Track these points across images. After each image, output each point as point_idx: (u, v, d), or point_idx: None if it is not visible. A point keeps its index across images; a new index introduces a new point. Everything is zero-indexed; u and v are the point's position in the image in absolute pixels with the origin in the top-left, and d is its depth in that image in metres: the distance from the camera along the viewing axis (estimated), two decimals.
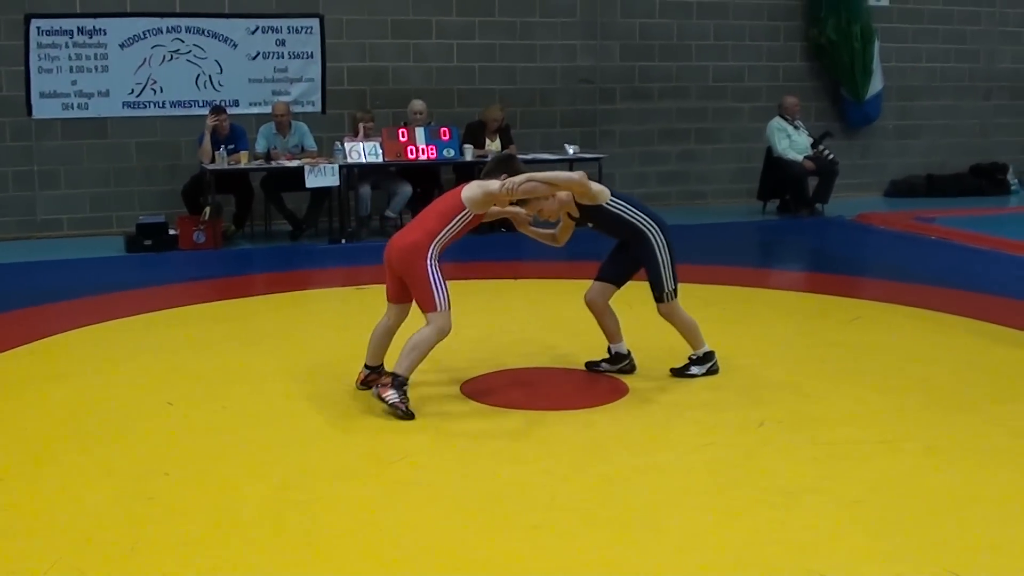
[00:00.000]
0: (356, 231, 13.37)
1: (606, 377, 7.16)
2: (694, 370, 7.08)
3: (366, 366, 6.80)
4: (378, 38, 14.88)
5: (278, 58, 14.47)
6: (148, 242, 12.56)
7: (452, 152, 13.66)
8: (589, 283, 7.22)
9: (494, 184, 6.40)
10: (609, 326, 7.22)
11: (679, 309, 7.03)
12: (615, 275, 7.15)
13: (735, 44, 16.83)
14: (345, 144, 13.25)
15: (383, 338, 6.75)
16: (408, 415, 6.24)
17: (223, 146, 12.91)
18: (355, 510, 4.98)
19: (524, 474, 5.42)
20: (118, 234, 13.28)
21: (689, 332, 7.11)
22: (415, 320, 6.60)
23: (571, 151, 14.20)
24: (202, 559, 4.48)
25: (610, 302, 7.19)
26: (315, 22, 14.56)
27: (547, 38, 15.76)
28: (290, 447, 5.87)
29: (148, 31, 13.87)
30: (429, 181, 14.20)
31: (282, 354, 7.89)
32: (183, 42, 14.04)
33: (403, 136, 13.46)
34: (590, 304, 7.18)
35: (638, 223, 6.85)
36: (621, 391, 6.84)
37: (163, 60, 13.98)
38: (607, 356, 7.30)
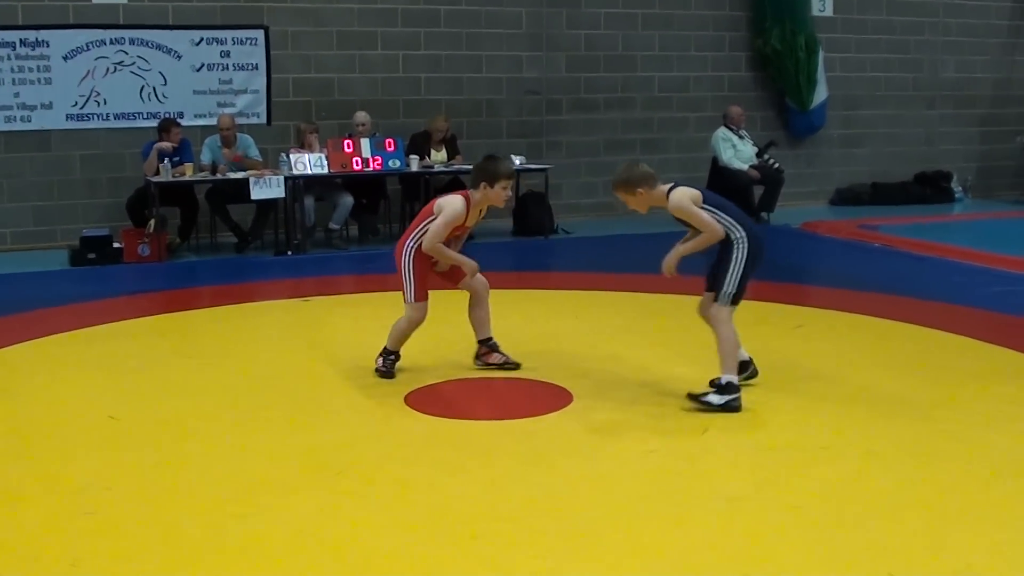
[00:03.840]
0: (302, 243, 13.33)
1: (549, 386, 7.15)
2: (712, 398, 6.62)
3: (478, 341, 7.55)
4: (323, 49, 14.85)
5: (223, 70, 14.42)
6: (92, 255, 12.45)
7: (398, 163, 13.64)
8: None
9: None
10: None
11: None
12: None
13: (680, 55, 16.91)
14: (290, 155, 13.20)
15: (473, 311, 7.52)
16: (388, 375, 7.33)
17: (168, 158, 12.83)
18: (297, 523, 4.94)
19: (465, 484, 5.42)
20: (62, 248, 13.20)
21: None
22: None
23: (518, 162, 14.17)
24: (143, 574, 4.45)
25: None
26: (260, 33, 14.51)
27: (493, 49, 15.78)
28: (232, 460, 5.85)
29: (91, 43, 13.77)
30: (374, 192, 14.19)
31: (226, 367, 7.86)
32: (127, 54, 13.95)
33: (348, 147, 13.43)
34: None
35: None
36: (564, 400, 6.83)
37: (107, 72, 13.89)
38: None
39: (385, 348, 7.41)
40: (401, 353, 7.46)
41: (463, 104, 15.58)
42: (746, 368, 6.97)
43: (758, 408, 6.61)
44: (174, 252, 13.22)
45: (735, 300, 6.62)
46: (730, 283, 6.57)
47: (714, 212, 6.57)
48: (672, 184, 6.65)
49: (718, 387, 6.60)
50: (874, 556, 4.51)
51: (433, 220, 7.12)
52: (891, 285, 10.69)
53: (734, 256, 6.55)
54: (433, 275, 7.35)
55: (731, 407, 6.53)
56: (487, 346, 7.55)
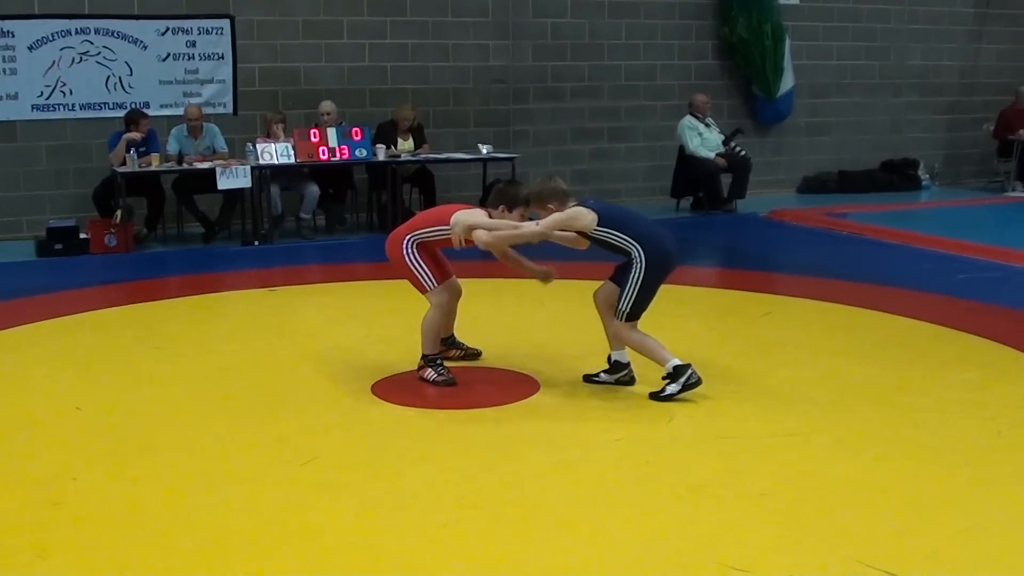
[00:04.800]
0: (269, 233, 13.28)
1: (516, 375, 7.18)
2: (670, 389, 6.62)
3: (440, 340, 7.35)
4: (289, 39, 14.77)
5: (189, 59, 14.32)
6: (59, 246, 12.39)
7: (364, 152, 13.60)
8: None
9: (481, 234, 6.78)
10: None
11: None
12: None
13: (647, 43, 16.90)
14: (257, 145, 13.15)
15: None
16: (450, 382, 6.94)
17: (134, 148, 12.77)
18: (264, 512, 4.95)
19: (433, 473, 5.43)
20: (28, 238, 13.10)
21: None
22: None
23: (484, 151, 14.20)
24: (110, 564, 4.45)
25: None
26: (226, 23, 14.42)
27: (460, 38, 15.74)
28: (199, 451, 5.83)
29: (57, 33, 13.66)
30: (341, 182, 14.15)
31: (193, 357, 7.83)
32: (92, 44, 13.84)
33: (315, 137, 13.39)
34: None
35: None
36: (531, 389, 6.86)
37: (72, 62, 13.77)
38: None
39: (424, 356, 7.08)
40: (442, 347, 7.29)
41: (430, 93, 15.53)
42: (621, 369, 6.96)
43: (725, 396, 6.64)
44: (141, 242, 13.14)
45: (631, 317, 6.67)
46: (624, 301, 6.63)
47: (608, 232, 6.61)
48: (578, 202, 6.71)
49: (669, 376, 6.63)
50: (840, 542, 4.54)
51: (447, 226, 6.97)
52: (858, 272, 10.73)
53: (631, 276, 6.60)
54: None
55: (691, 385, 6.59)
56: (444, 343, 7.53)
